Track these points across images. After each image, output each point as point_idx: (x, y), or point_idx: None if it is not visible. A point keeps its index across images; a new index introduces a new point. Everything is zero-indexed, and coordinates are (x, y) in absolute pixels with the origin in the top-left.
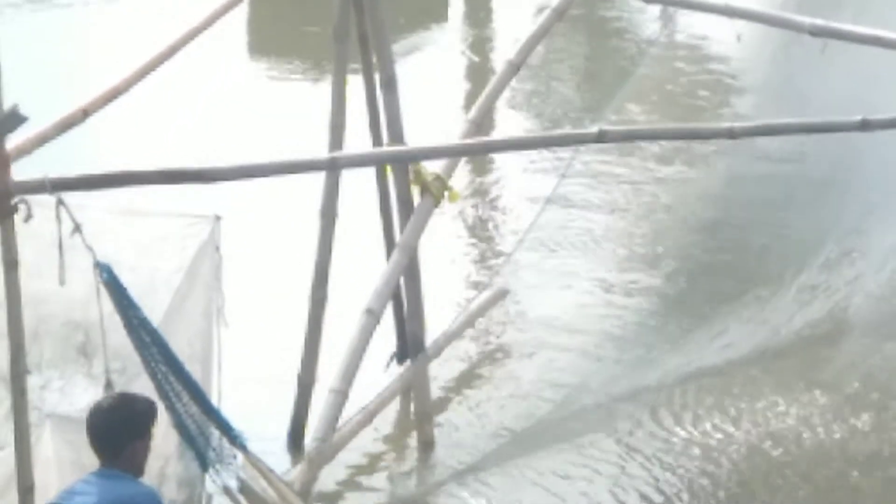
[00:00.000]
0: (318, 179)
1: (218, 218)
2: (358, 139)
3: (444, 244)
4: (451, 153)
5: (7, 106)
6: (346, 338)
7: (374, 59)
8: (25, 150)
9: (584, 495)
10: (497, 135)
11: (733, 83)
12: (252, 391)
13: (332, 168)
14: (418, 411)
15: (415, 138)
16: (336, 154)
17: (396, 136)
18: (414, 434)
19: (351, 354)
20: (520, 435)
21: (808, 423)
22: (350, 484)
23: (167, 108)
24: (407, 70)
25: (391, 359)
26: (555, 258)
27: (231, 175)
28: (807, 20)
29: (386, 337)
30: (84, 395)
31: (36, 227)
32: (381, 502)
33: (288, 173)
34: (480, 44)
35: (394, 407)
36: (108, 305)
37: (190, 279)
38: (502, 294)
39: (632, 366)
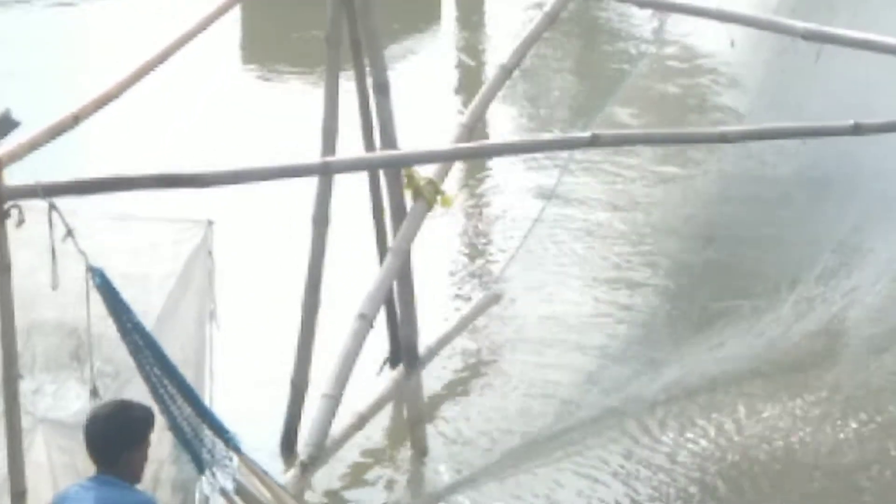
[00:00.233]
0: (311, 184)
1: (210, 223)
2: (351, 144)
3: (437, 248)
4: (444, 157)
5: None
6: (339, 343)
7: (367, 64)
8: (17, 156)
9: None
10: (490, 139)
11: (727, 87)
12: (245, 396)
13: (325, 173)
14: (411, 416)
15: (407, 143)
16: (329, 159)
17: (389, 140)
18: (407, 438)
19: (344, 359)
20: (514, 440)
21: (801, 434)
22: (343, 489)
23: (159, 113)
24: (400, 74)
25: (384, 363)
26: (548, 264)
27: (224, 180)
28: (800, 24)
29: (379, 341)
30: (77, 400)
31: (28, 233)
32: None
33: (281, 178)
34: (473, 48)
35: (387, 412)
36: (98, 310)
37: (182, 284)
38: (495, 298)
39: (628, 373)
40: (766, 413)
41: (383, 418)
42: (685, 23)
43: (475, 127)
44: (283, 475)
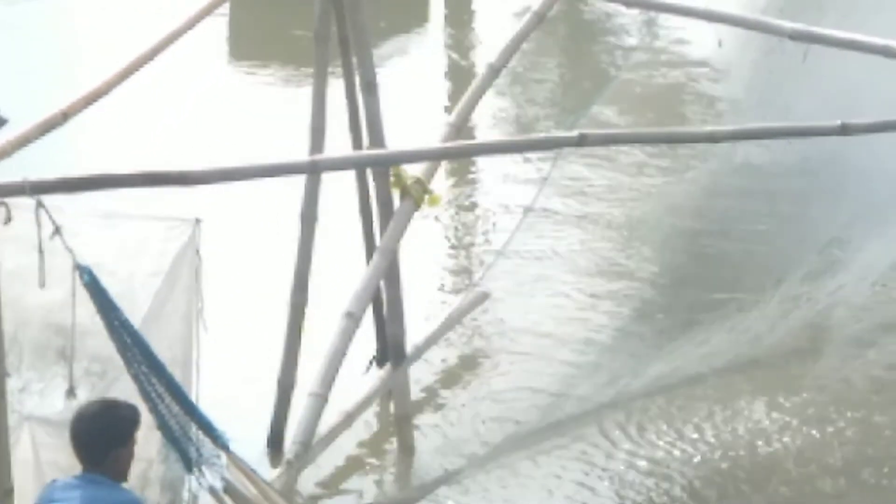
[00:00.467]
0: (299, 182)
1: (198, 221)
2: (338, 142)
3: (424, 247)
4: (432, 156)
5: None
6: (326, 341)
7: (356, 62)
8: (5, 153)
9: (565, 498)
10: (478, 138)
11: (714, 87)
12: (232, 394)
13: (313, 171)
14: (398, 414)
15: (395, 141)
16: (317, 157)
17: (377, 139)
18: (394, 437)
19: (331, 358)
20: (499, 439)
21: (786, 432)
22: (330, 487)
23: (148, 111)
24: (388, 73)
25: (371, 362)
26: (535, 263)
27: (212, 178)
28: (787, 24)
29: (366, 340)
30: (63, 398)
31: (15, 230)
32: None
33: (268, 176)
34: (461, 47)
35: (374, 410)
36: (86, 308)
37: (170, 283)
38: (483, 297)
39: (612, 373)
40: (749, 412)
41: (370, 417)
42: (673, 22)
43: (463, 126)
44: (271, 473)
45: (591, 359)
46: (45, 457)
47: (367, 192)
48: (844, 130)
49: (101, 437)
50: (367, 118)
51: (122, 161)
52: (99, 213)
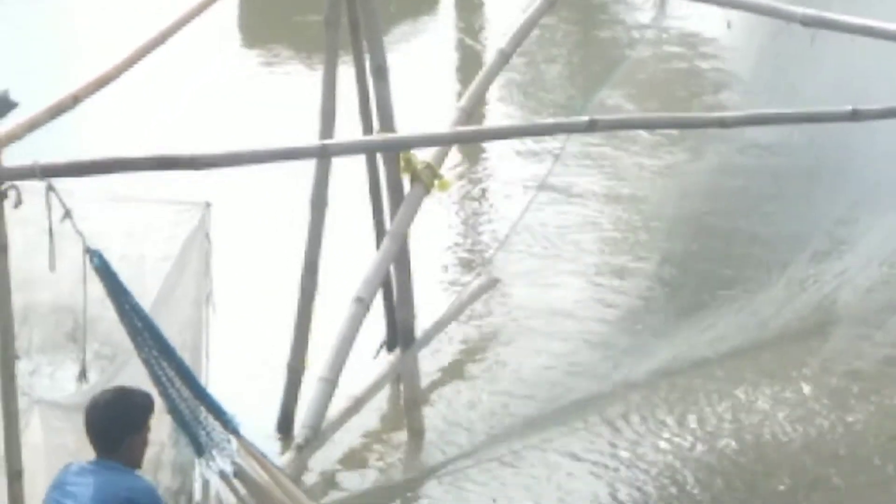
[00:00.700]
0: (309, 167)
1: (208, 205)
2: (349, 127)
3: (434, 232)
4: (442, 141)
5: None
6: (336, 326)
7: (366, 47)
8: (16, 136)
9: (571, 482)
10: (488, 123)
11: (724, 71)
12: (241, 379)
13: (323, 155)
14: (408, 399)
15: (406, 126)
16: (327, 142)
17: (387, 123)
18: (403, 422)
19: (340, 343)
20: (509, 422)
21: (792, 416)
22: (339, 472)
23: (158, 95)
24: (398, 58)
25: (381, 347)
26: (545, 245)
27: (222, 162)
28: (798, 10)
29: (376, 325)
30: (73, 381)
31: (26, 214)
32: (370, 490)
33: (279, 160)
34: (472, 32)
35: (383, 394)
36: (96, 292)
37: (179, 267)
38: (493, 283)
39: (622, 354)
40: (754, 397)
41: (380, 401)
42: (683, 7)
43: (473, 111)
44: (280, 457)
45: (595, 346)
46: (55, 440)
47: (378, 177)
48: (855, 116)
49: (116, 424)
50: (377, 103)
51: (131, 145)
52: (109, 197)
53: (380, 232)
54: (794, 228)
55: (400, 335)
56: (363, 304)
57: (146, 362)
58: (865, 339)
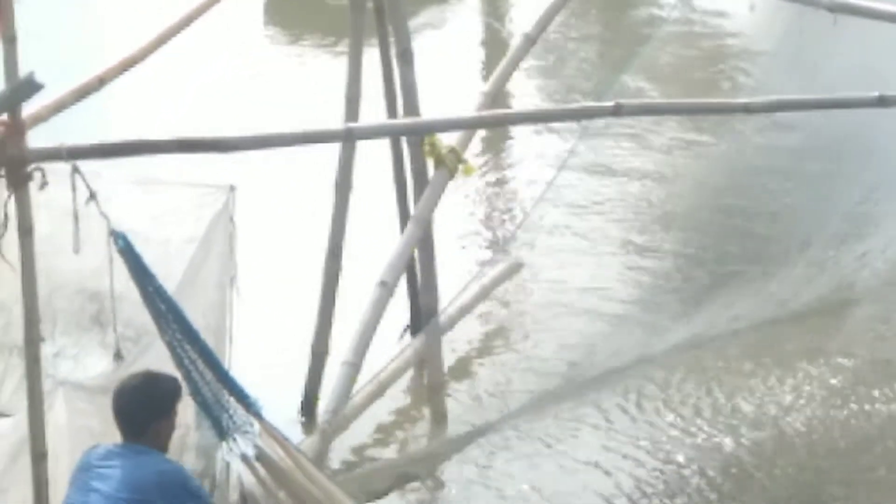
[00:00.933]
0: (334, 151)
1: (233, 188)
2: (373, 111)
3: (458, 217)
4: (466, 125)
5: (23, 73)
6: (360, 310)
7: (391, 32)
8: (41, 118)
9: (596, 466)
10: (512, 107)
11: (745, 49)
12: (265, 362)
13: (348, 139)
14: (431, 383)
15: (430, 111)
16: (352, 125)
17: (412, 107)
18: (426, 405)
19: (364, 327)
20: (533, 403)
21: (810, 398)
22: (362, 455)
23: (183, 78)
24: (423, 42)
25: (405, 331)
26: (568, 222)
27: (247, 145)
28: None
29: (399, 309)
30: (98, 364)
31: (50, 196)
32: (392, 472)
33: (304, 143)
34: (497, 16)
35: (407, 378)
36: (120, 274)
37: (204, 249)
38: (517, 267)
39: (639, 335)
40: (772, 384)
41: (403, 385)
42: None
43: (498, 95)
44: (303, 441)
45: (618, 326)
46: (79, 422)
47: (402, 161)
48: (882, 102)
49: (143, 409)
50: (402, 87)
51: (156, 128)
52: (134, 180)
53: (404, 216)
54: (813, 211)
55: (424, 319)
56: (387, 288)
57: (169, 345)
58: (885, 318)
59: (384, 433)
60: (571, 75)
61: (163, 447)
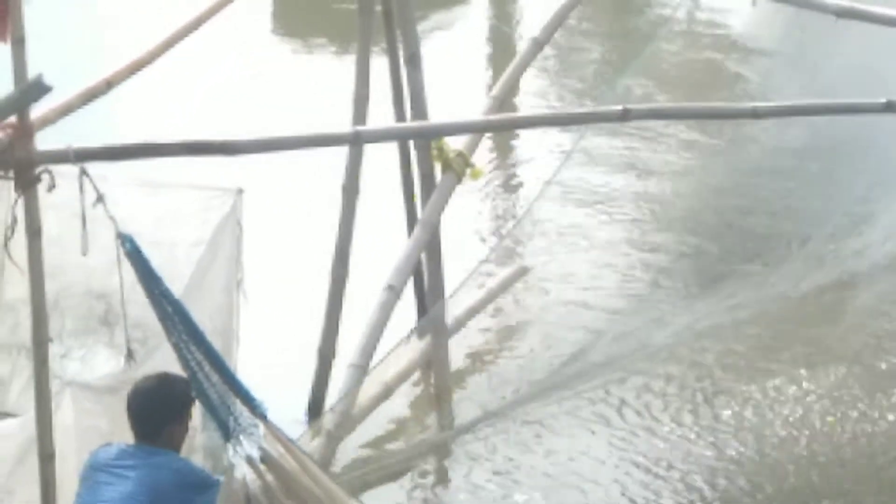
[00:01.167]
0: (341, 154)
1: (240, 191)
2: (382, 115)
3: (465, 221)
4: (474, 129)
5: (31, 75)
6: (367, 313)
7: (399, 35)
8: (49, 120)
9: (596, 460)
10: (520, 111)
11: (747, 48)
12: (271, 365)
13: (356, 142)
14: (438, 386)
15: (438, 115)
16: (360, 128)
17: (420, 111)
18: (433, 408)
19: (371, 330)
20: (538, 404)
21: (808, 391)
22: (368, 457)
23: (191, 82)
24: (431, 46)
25: (411, 334)
26: (571, 217)
27: (254, 148)
28: (832, 1)
29: (407, 312)
30: (105, 364)
31: (58, 198)
32: (400, 475)
33: (311, 147)
34: (505, 20)
35: (413, 382)
36: (127, 276)
37: (211, 252)
38: (523, 271)
39: (641, 329)
40: (770, 381)
41: (410, 388)
42: None
43: (506, 99)
44: (309, 443)
45: (619, 321)
46: (87, 422)
47: (410, 164)
48: (890, 108)
49: (158, 412)
50: (410, 91)
51: (164, 131)
52: (141, 182)
53: (411, 220)
54: (814, 206)
55: (430, 322)
56: (394, 292)
57: (176, 347)
58: (883, 313)
59: (391, 436)
60: (580, 80)
61: (176, 450)
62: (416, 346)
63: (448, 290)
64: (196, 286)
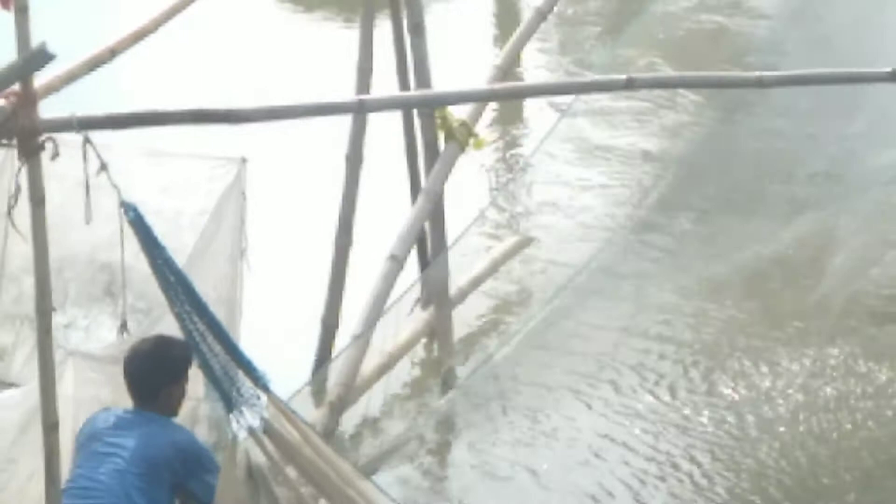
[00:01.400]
0: (345, 123)
1: (244, 160)
2: (385, 84)
3: (468, 190)
4: (478, 98)
5: (35, 43)
6: (370, 283)
7: (403, 4)
8: (53, 88)
9: (602, 437)
10: (524, 81)
11: (757, 17)
12: (274, 335)
13: (360, 111)
14: (441, 356)
15: (442, 84)
16: (363, 97)
17: (423, 80)
18: (436, 378)
19: (374, 300)
20: (540, 375)
21: (790, 351)
22: (371, 428)
23: (195, 50)
24: (435, 14)
25: (415, 304)
26: (573, 201)
27: (258, 116)
28: None
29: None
30: (109, 335)
31: (62, 167)
32: (403, 446)
33: (315, 116)
34: None
35: (417, 352)
36: (131, 246)
37: (215, 222)
38: (527, 241)
39: (634, 281)
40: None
41: (414, 358)
42: None
43: (509, 68)
44: (312, 414)
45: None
46: (89, 392)
47: (413, 134)
48: (895, 77)
49: (155, 374)
50: (414, 60)
51: (168, 99)
52: (145, 151)
53: (415, 189)
54: (796, 148)
55: (434, 292)
56: (397, 262)
57: (178, 316)
58: (862, 272)
59: (394, 406)
60: (583, 48)
61: (173, 412)
62: (420, 317)
63: (451, 260)
64: (199, 255)
